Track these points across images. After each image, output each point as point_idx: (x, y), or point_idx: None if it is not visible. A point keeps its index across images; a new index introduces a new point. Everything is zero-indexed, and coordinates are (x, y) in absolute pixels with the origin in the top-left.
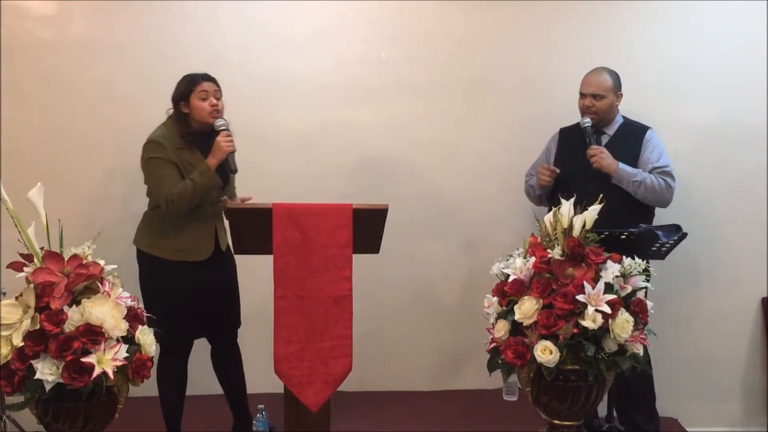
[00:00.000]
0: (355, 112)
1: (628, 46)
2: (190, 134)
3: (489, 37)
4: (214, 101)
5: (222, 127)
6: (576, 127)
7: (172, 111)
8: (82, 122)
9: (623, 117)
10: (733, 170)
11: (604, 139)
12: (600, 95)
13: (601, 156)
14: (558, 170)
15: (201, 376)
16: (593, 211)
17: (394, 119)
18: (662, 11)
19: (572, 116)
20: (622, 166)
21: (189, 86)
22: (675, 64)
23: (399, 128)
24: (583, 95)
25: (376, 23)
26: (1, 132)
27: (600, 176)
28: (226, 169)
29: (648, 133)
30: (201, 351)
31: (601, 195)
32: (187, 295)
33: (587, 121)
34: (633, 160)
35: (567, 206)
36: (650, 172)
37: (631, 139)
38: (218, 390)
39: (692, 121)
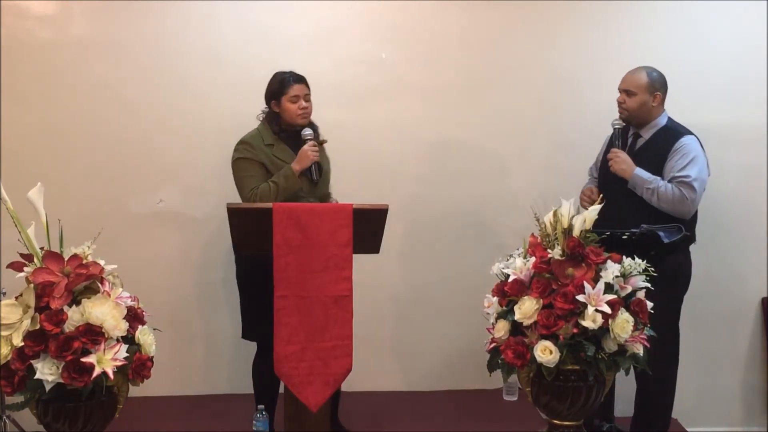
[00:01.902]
0: (355, 112)
1: (628, 47)
2: (283, 131)
3: (489, 36)
4: (304, 104)
5: (308, 137)
6: (625, 129)
7: (264, 112)
8: (82, 122)
9: (669, 120)
10: (733, 170)
11: (639, 143)
12: (632, 92)
13: (616, 160)
14: (597, 200)
15: (203, 375)
16: (593, 211)
17: (394, 119)
18: (662, 11)
19: (573, 116)
20: (638, 171)
21: (280, 88)
22: (675, 64)
23: (399, 128)
24: (618, 90)
25: (376, 23)
26: (1, 132)
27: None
28: (310, 176)
29: (681, 140)
30: (202, 350)
31: (601, 195)
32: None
33: (617, 122)
34: (660, 166)
35: (567, 206)
36: (670, 180)
37: (663, 145)
38: (220, 390)
39: (692, 121)
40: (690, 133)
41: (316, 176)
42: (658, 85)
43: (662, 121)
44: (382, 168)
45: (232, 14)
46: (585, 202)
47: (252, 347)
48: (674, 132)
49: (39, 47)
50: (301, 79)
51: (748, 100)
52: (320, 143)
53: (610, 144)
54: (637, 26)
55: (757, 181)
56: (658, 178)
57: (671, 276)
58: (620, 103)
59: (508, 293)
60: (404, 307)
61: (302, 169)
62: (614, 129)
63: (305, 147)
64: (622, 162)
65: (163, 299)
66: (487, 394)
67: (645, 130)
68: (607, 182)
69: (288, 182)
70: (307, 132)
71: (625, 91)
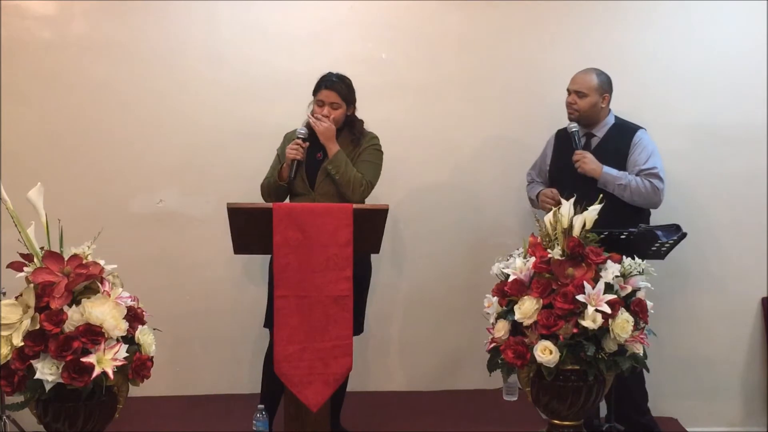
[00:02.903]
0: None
1: (626, 46)
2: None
3: (489, 36)
4: (325, 112)
5: (300, 136)
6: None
7: None
8: (82, 122)
9: (616, 118)
10: (733, 170)
11: (594, 142)
12: (583, 93)
13: (584, 161)
14: (561, 200)
15: (203, 375)
16: (593, 211)
17: (394, 119)
18: (661, 11)
19: None
20: (606, 169)
21: (315, 90)
22: (675, 64)
23: (399, 128)
24: (568, 91)
25: (376, 23)
26: (1, 132)
27: (589, 179)
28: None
29: (637, 134)
30: (202, 350)
31: (601, 195)
32: None
33: (574, 126)
34: (621, 162)
35: (567, 206)
36: (637, 174)
37: (619, 141)
38: (220, 390)
39: (692, 121)
40: (640, 127)
41: (291, 174)
42: (606, 86)
43: (611, 119)
44: (382, 168)
45: (232, 14)
46: (548, 204)
47: (251, 348)
48: (627, 128)
49: (39, 47)
50: (332, 86)
51: (748, 100)
52: (356, 142)
53: (558, 147)
54: (637, 26)
55: (758, 181)
56: (626, 173)
57: None
58: (570, 104)
59: (508, 293)
60: (404, 306)
61: (288, 166)
62: (572, 131)
63: (289, 144)
64: (591, 162)
65: (163, 299)
66: (487, 394)
67: (597, 129)
68: (563, 182)
69: (272, 176)
70: (300, 131)
71: (576, 92)
